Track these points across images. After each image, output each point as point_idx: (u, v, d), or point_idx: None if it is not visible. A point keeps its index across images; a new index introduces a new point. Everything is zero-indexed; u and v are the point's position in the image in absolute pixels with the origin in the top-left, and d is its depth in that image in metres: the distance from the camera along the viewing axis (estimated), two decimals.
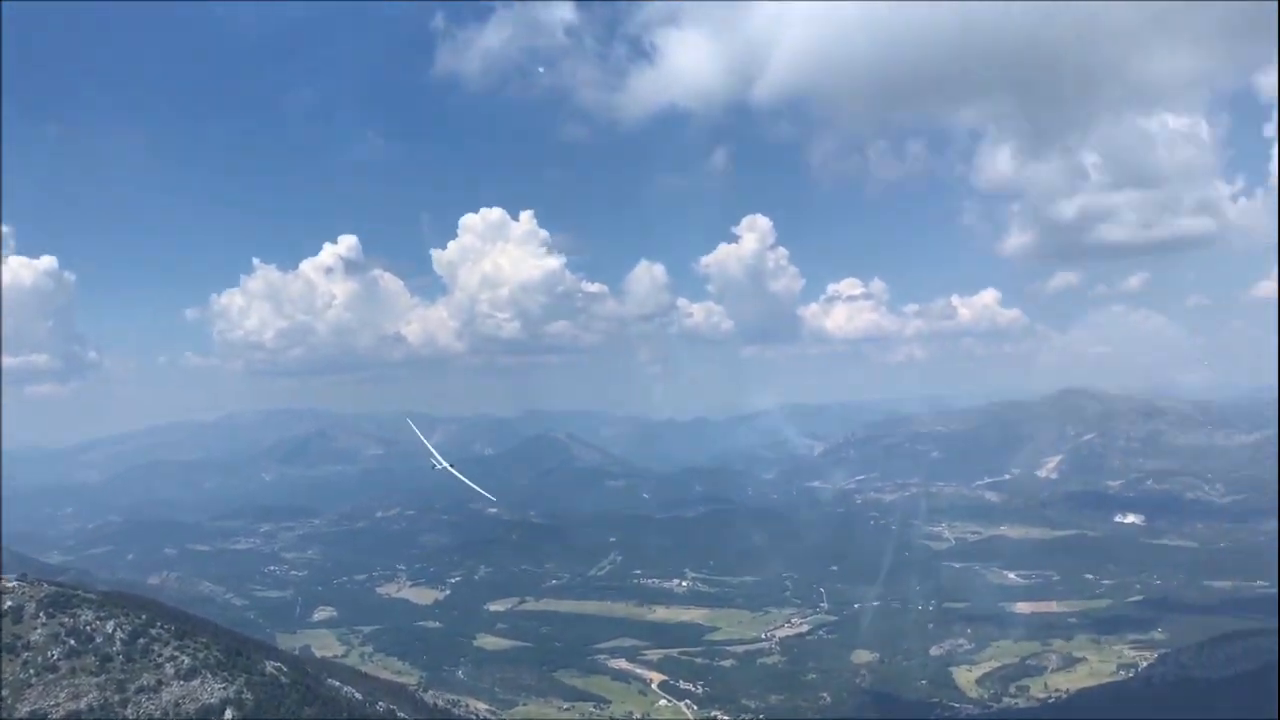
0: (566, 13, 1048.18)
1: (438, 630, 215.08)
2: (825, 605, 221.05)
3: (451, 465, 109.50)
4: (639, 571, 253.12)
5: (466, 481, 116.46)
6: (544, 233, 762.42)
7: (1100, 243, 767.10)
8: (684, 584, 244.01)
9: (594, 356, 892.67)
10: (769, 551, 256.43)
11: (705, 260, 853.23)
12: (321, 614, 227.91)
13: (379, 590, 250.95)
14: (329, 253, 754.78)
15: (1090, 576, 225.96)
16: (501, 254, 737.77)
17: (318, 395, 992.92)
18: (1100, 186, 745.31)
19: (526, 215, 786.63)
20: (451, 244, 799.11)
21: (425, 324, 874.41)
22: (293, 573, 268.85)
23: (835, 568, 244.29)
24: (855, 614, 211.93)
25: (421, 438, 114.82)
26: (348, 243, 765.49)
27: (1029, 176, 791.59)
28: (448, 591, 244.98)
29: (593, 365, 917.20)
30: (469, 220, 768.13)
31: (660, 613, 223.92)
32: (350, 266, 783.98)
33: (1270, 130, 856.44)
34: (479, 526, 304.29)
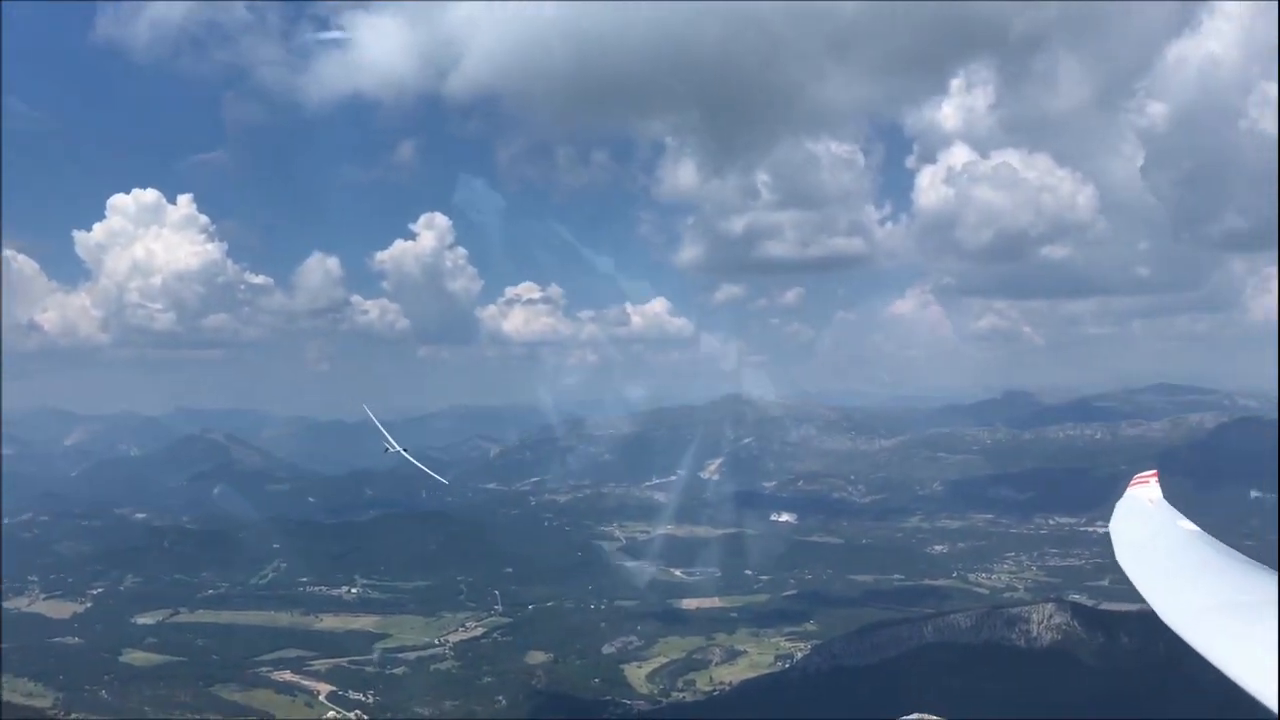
0: None
1: (77, 647, 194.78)
2: (500, 608, 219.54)
3: (405, 449, 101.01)
4: (305, 579, 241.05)
5: (419, 466, 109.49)
6: (204, 218, 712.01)
7: (763, 258, 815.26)
8: (353, 591, 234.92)
9: (257, 352, 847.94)
10: (443, 555, 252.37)
11: (381, 256, 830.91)
12: None
13: (6, 605, 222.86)
14: None
15: (749, 572, 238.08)
16: (155, 239, 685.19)
17: None
18: (768, 205, 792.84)
19: (185, 199, 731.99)
20: (98, 226, 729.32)
21: (65, 312, 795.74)
22: None
23: (510, 570, 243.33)
24: (530, 615, 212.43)
25: (376, 422, 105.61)
26: None
27: (707, 192, 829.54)
28: (89, 604, 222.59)
29: (255, 362, 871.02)
30: (119, 201, 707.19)
31: (328, 621, 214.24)
32: None
33: (913, 163, 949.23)
34: (125, 533, 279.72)
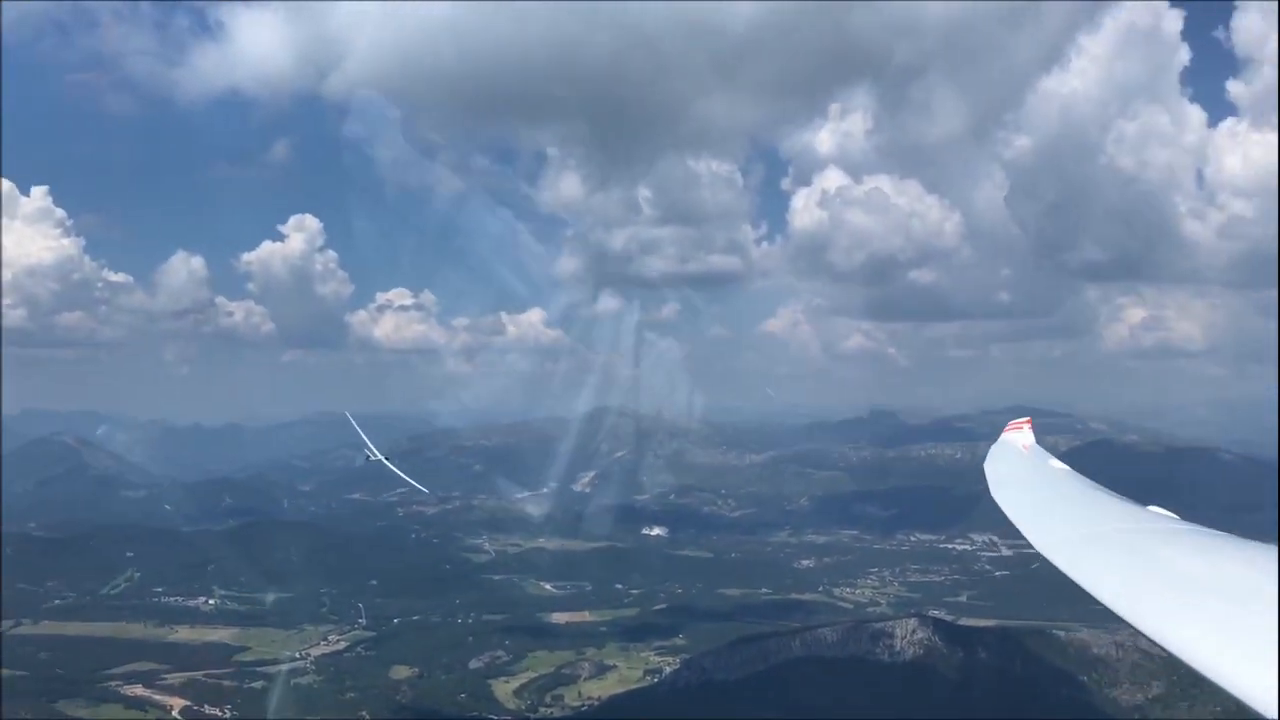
0: None
1: None
2: (364, 621, 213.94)
3: (387, 458, 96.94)
4: (160, 589, 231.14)
5: (401, 475, 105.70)
6: (61, 212, 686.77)
7: (642, 273, 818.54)
8: (211, 602, 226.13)
9: (113, 353, 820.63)
10: (305, 566, 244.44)
11: (248, 257, 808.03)
12: None
13: None
14: None
15: (620, 586, 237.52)
16: (6, 231, 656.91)
17: None
18: (648, 220, 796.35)
19: (40, 190, 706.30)
20: None
21: None
22: None
23: (375, 582, 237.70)
24: (395, 629, 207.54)
25: (359, 430, 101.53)
26: None
27: (589, 204, 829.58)
28: None
29: (111, 362, 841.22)
30: None
31: (184, 633, 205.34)
32: None
33: (789, 184, 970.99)
34: None
